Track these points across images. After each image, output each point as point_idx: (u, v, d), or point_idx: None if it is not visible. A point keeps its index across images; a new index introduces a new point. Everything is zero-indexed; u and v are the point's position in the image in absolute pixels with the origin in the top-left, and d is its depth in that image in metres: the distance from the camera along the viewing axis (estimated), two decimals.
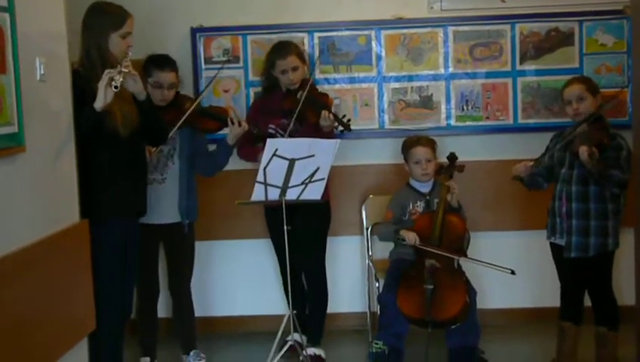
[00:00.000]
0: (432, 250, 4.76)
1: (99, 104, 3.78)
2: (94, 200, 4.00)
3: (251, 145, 5.02)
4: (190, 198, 4.85)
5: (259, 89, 5.45)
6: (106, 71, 3.79)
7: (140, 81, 4.02)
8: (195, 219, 4.93)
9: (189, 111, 4.71)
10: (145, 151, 4.38)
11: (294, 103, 4.88)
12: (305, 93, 4.86)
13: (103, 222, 4.00)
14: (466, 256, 4.88)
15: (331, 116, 4.84)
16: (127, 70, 3.83)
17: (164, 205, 4.75)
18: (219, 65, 5.42)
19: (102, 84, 3.76)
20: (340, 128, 4.92)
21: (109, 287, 4.05)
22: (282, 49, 5.04)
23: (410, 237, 4.82)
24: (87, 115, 3.81)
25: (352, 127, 4.91)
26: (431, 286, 4.69)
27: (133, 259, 4.25)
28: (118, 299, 4.11)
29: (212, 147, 5.07)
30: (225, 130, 4.92)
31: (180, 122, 4.67)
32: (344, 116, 4.95)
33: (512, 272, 4.66)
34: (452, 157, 5.08)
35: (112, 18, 4.01)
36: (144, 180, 4.32)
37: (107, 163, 4.02)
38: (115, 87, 3.77)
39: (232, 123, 4.80)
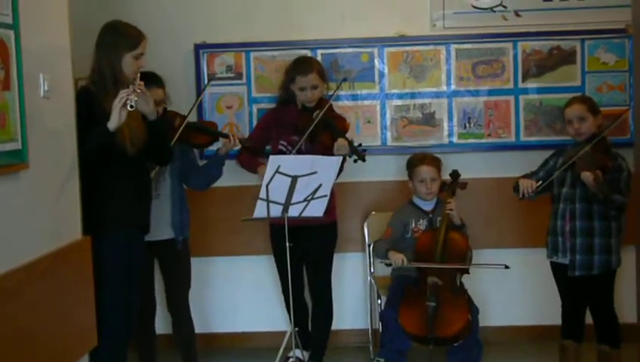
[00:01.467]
0: (424, 266, 4.79)
1: (113, 124, 3.81)
2: (98, 214, 4.01)
3: (255, 154, 5.02)
4: (183, 214, 4.85)
5: (262, 105, 5.49)
6: (122, 91, 3.82)
7: (152, 102, 4.04)
8: (187, 236, 4.91)
9: (181, 128, 4.70)
10: (148, 168, 4.38)
11: (309, 122, 4.85)
12: (322, 114, 4.84)
13: (106, 236, 4.00)
14: (468, 274, 4.89)
15: (345, 143, 4.79)
16: (139, 90, 3.86)
17: (158, 221, 4.71)
18: (223, 82, 5.44)
19: (117, 105, 3.79)
20: (354, 158, 4.83)
21: (114, 302, 4.04)
22: (304, 65, 5.00)
23: (396, 258, 4.83)
24: (100, 134, 3.84)
25: (354, 144, 4.87)
26: (433, 304, 4.69)
27: (139, 274, 4.24)
28: (122, 313, 4.10)
29: (201, 163, 5.09)
30: (214, 146, 4.95)
31: (175, 138, 4.67)
32: (360, 145, 4.85)
33: (506, 266, 4.69)
34: (455, 174, 5.09)
35: (128, 38, 4.04)
36: (148, 196, 4.33)
37: (112, 177, 4.02)
38: (131, 107, 3.81)
39: (230, 139, 4.81)
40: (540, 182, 4.61)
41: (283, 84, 5.13)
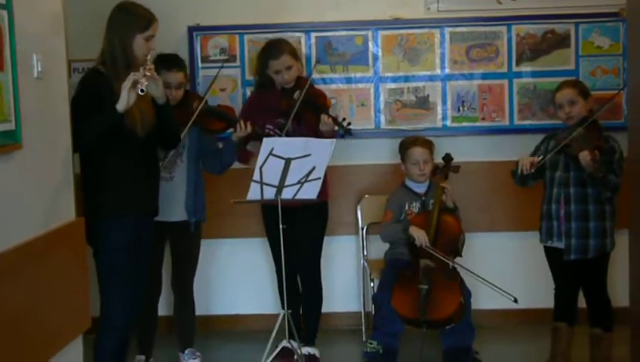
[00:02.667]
0: (437, 254, 4.77)
1: (121, 106, 3.81)
2: (108, 199, 3.99)
3: (246, 144, 5.01)
4: (197, 197, 4.86)
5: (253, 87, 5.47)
6: (132, 74, 3.81)
7: (162, 85, 4.03)
8: (202, 218, 4.94)
9: (197, 112, 4.71)
10: (157, 152, 4.37)
11: (291, 103, 4.85)
12: (303, 93, 4.84)
13: (116, 220, 3.98)
14: (461, 256, 4.90)
15: (330, 120, 4.81)
16: (149, 73, 3.85)
17: (172, 203, 4.74)
18: (216, 64, 5.42)
19: (126, 86, 3.79)
20: (341, 132, 4.84)
21: (120, 286, 4.02)
22: (274, 48, 4.99)
23: (421, 237, 4.81)
24: (109, 116, 3.83)
25: (339, 120, 4.86)
26: (426, 287, 4.70)
27: (147, 258, 4.24)
28: (127, 296, 4.08)
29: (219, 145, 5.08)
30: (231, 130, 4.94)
31: (190, 123, 4.67)
32: (344, 119, 4.85)
33: (515, 300, 4.67)
34: (448, 158, 5.09)
35: (140, 19, 4.02)
36: (157, 180, 4.32)
37: (121, 160, 4.01)
38: (142, 91, 3.81)
39: (240, 126, 4.81)
40: (541, 157, 4.59)
41: (257, 70, 5.12)
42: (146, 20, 4.04)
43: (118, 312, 4.03)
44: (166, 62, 4.75)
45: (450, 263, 4.81)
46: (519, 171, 4.60)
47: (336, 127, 4.81)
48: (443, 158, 5.10)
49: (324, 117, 4.81)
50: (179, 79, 4.76)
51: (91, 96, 3.93)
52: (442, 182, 4.98)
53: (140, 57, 3.98)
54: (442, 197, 4.93)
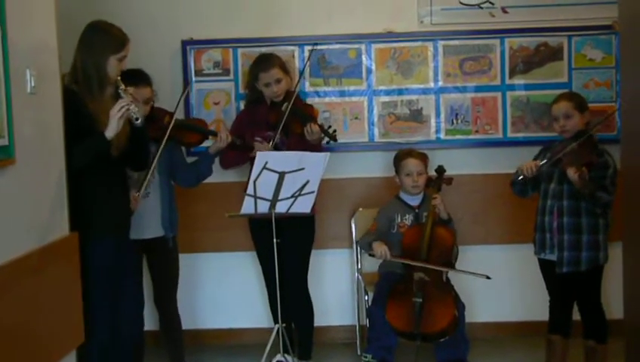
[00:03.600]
0: (407, 262, 4.79)
1: (111, 134, 3.84)
2: (81, 219, 3.98)
3: (233, 156, 5.01)
4: (172, 212, 4.84)
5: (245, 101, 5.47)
6: (120, 101, 3.84)
7: (142, 109, 4.03)
8: (176, 233, 4.90)
9: (170, 127, 4.65)
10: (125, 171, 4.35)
11: (279, 116, 4.87)
12: (290, 105, 4.85)
13: (91, 240, 3.97)
14: (454, 269, 4.90)
15: (316, 128, 4.83)
16: (132, 98, 3.89)
17: (147, 219, 4.71)
18: (210, 78, 5.43)
19: (116, 115, 3.81)
20: (327, 140, 4.89)
21: (99, 304, 4.02)
22: (265, 62, 5.01)
23: (379, 250, 4.82)
24: (96, 143, 3.86)
25: (341, 140, 4.92)
26: (420, 300, 4.70)
27: (127, 275, 4.22)
28: (108, 315, 4.08)
29: (190, 159, 5.07)
30: (205, 143, 4.93)
31: (165, 138, 4.63)
32: (329, 127, 4.92)
33: (487, 277, 4.70)
34: (440, 170, 5.10)
35: (115, 40, 4.02)
36: (128, 198, 4.33)
37: (94, 182, 4.01)
38: (137, 119, 3.88)
39: (220, 136, 4.80)
40: (545, 161, 4.59)
41: (248, 84, 5.16)
42: (120, 41, 4.04)
43: (97, 328, 4.01)
44: (133, 77, 4.70)
45: (437, 268, 4.80)
46: (521, 176, 4.60)
47: (323, 135, 4.83)
48: (436, 170, 5.11)
49: (309, 125, 4.82)
50: (147, 94, 4.70)
51: (73, 119, 3.92)
52: (435, 194, 4.98)
53: (113, 77, 3.99)
54: (436, 209, 4.93)
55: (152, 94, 4.79)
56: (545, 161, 4.57)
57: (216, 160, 5.01)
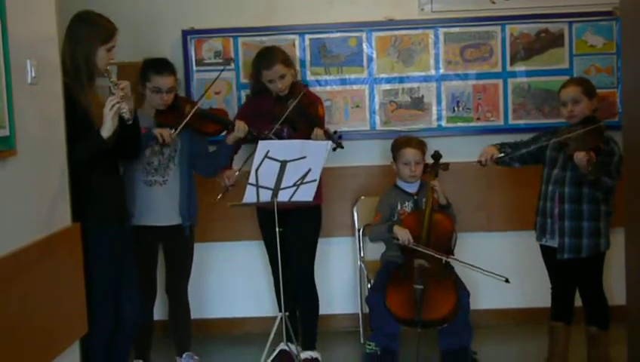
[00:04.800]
0: (426, 251, 4.77)
1: (107, 132, 3.83)
2: (85, 210, 3.98)
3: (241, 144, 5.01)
4: (191, 201, 4.86)
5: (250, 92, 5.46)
6: (111, 99, 3.83)
7: (132, 103, 4.01)
8: (195, 222, 4.94)
9: (189, 116, 4.69)
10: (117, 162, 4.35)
11: (284, 110, 4.82)
12: (295, 103, 4.79)
13: (87, 234, 3.96)
14: (453, 255, 4.89)
15: (321, 134, 4.78)
16: (123, 93, 3.86)
17: (165, 207, 4.76)
18: (211, 67, 5.43)
19: (109, 113, 3.81)
20: (332, 146, 4.76)
21: (101, 295, 4.04)
22: (267, 58, 4.95)
23: (403, 235, 4.82)
24: (93, 142, 3.86)
25: (342, 129, 4.89)
26: (421, 287, 4.69)
27: (127, 267, 4.22)
28: (109, 306, 4.10)
29: (212, 148, 5.07)
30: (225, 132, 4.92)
31: (181, 126, 4.66)
32: (335, 132, 4.85)
33: (507, 280, 4.67)
34: (436, 155, 5.09)
35: (102, 31, 4.00)
36: (122, 189, 4.34)
37: (94, 173, 4.01)
38: (128, 120, 3.86)
39: (237, 126, 4.79)
40: (503, 155, 4.63)
41: (252, 76, 5.12)
42: (108, 31, 4.02)
43: (98, 320, 4.01)
44: (156, 66, 4.75)
45: (443, 258, 4.80)
46: (481, 161, 4.68)
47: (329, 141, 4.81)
48: (432, 156, 5.10)
49: (316, 131, 4.80)
50: (169, 83, 4.76)
51: (68, 111, 3.90)
52: (432, 180, 4.98)
53: (102, 68, 3.98)
54: (434, 195, 4.93)
55: (176, 83, 4.84)
56: (503, 155, 4.61)
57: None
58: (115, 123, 3.84)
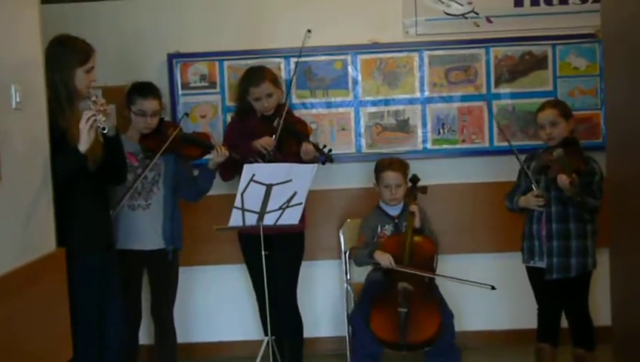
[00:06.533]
0: (410, 271, 4.77)
1: (84, 147, 3.79)
2: (70, 235, 3.94)
3: (230, 168, 4.98)
4: (174, 225, 4.84)
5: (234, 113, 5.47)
6: (86, 112, 3.79)
7: (114, 119, 3.99)
8: (179, 246, 4.91)
9: (170, 139, 4.69)
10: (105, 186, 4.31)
11: (272, 132, 4.83)
12: (282, 121, 4.82)
13: (72, 259, 3.92)
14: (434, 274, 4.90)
15: (310, 147, 4.78)
16: (102, 108, 3.81)
17: (149, 231, 4.74)
18: (197, 91, 5.44)
19: (85, 127, 3.76)
20: (322, 160, 4.81)
21: (85, 322, 4.00)
22: (255, 76, 4.96)
23: (385, 260, 4.83)
24: (70, 158, 3.81)
25: (320, 147, 4.85)
26: (405, 310, 4.69)
27: (111, 292, 4.18)
28: (94, 331, 4.07)
29: (196, 172, 5.05)
30: (208, 156, 4.91)
31: (162, 149, 4.66)
32: (324, 146, 4.85)
33: (492, 287, 4.68)
34: (414, 179, 5.10)
35: (78, 53, 3.98)
36: (108, 214, 4.31)
37: (79, 198, 3.99)
38: (103, 129, 3.80)
39: (217, 151, 4.79)
40: (542, 199, 4.60)
41: (238, 96, 5.11)
42: (84, 53, 4.00)
43: (83, 345, 3.96)
44: (141, 89, 4.75)
45: (426, 275, 4.80)
46: (541, 206, 4.60)
47: (318, 155, 4.81)
48: (409, 180, 5.11)
49: (305, 145, 4.80)
50: (154, 107, 4.76)
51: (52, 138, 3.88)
52: (412, 203, 4.98)
53: (83, 90, 3.95)
54: (414, 218, 4.93)
55: (160, 107, 4.83)
56: (542, 198, 4.58)
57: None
58: (91, 137, 3.78)
